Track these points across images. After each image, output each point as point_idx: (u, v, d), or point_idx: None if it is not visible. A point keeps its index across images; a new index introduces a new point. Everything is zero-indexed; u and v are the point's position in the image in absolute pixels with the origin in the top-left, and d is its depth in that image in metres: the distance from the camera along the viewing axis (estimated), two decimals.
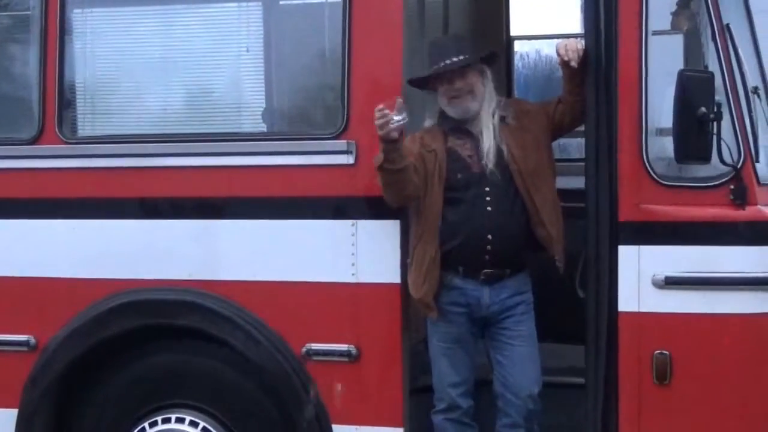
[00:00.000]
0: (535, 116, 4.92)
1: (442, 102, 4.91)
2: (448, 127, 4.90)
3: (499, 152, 4.79)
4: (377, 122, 4.56)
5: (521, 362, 4.81)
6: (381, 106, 4.57)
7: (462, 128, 4.88)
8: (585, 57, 4.69)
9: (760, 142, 4.64)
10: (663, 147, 4.70)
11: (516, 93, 7.07)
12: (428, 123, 4.98)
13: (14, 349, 5.33)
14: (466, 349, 4.89)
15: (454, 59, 4.83)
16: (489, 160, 4.78)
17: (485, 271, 4.81)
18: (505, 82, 6.99)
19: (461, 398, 4.86)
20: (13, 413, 5.32)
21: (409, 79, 4.94)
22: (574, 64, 4.66)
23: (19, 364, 5.31)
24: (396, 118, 4.54)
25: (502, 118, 4.87)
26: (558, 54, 4.72)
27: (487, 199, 4.79)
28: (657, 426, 4.62)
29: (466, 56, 4.85)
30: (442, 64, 4.83)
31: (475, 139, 4.84)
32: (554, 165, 4.92)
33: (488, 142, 4.80)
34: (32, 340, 5.32)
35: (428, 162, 4.82)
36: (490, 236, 4.78)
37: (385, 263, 4.90)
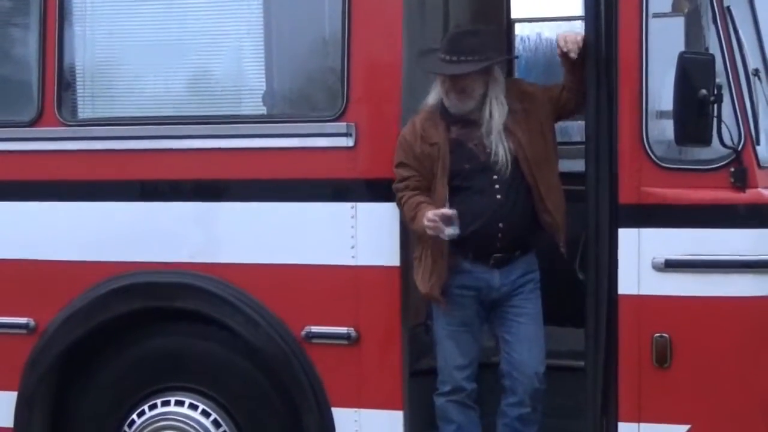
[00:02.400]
0: (540, 102, 4.87)
1: (441, 91, 4.84)
2: (451, 117, 4.84)
3: (505, 140, 4.75)
4: (428, 231, 4.60)
5: (528, 340, 4.80)
6: (433, 216, 4.58)
7: (466, 118, 4.83)
8: (585, 49, 4.65)
9: (761, 125, 4.63)
10: (663, 129, 4.69)
11: (517, 76, 7.04)
12: (432, 98, 4.88)
13: (14, 331, 5.34)
14: (472, 332, 4.89)
15: (463, 59, 4.71)
16: (496, 149, 4.74)
17: (495, 255, 4.81)
18: (506, 66, 6.97)
19: (466, 381, 4.86)
20: (12, 396, 5.33)
21: (419, 62, 4.91)
22: (573, 55, 4.62)
23: (18, 347, 5.32)
24: (448, 231, 4.58)
25: (511, 105, 4.80)
26: (558, 46, 4.69)
27: (496, 187, 4.77)
28: (657, 409, 4.62)
29: (475, 58, 4.72)
30: (449, 58, 4.73)
31: (481, 128, 4.79)
32: (557, 151, 4.90)
33: (495, 132, 4.74)
34: (32, 323, 5.32)
35: (431, 157, 4.78)
36: (501, 224, 4.77)
37: (385, 246, 4.89)
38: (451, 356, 4.87)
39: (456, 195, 4.76)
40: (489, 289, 4.83)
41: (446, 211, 4.61)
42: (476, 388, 4.88)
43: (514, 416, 4.82)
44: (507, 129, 4.76)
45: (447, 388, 4.88)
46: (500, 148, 4.73)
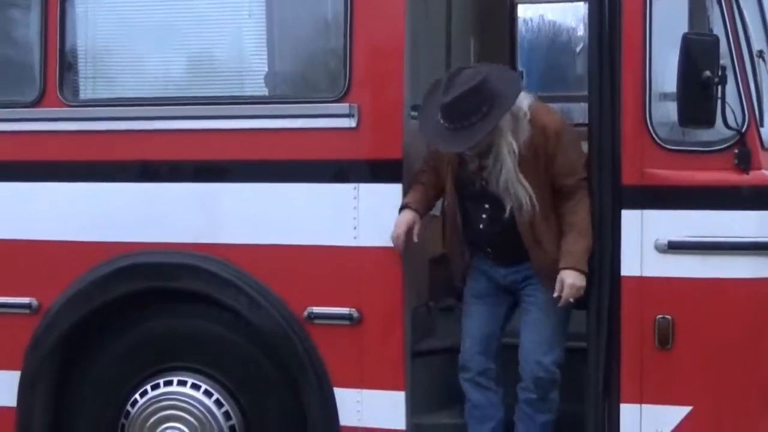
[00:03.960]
0: (551, 157, 4.67)
1: None
2: None
3: (507, 181, 4.63)
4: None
5: (532, 329, 4.79)
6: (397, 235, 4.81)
7: None
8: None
9: (765, 106, 4.63)
10: (667, 111, 4.69)
11: (519, 57, 7.03)
12: None
13: (16, 311, 5.33)
14: (488, 307, 4.89)
15: (460, 125, 4.51)
16: (494, 186, 4.67)
17: (496, 260, 4.86)
18: (508, 48, 6.97)
19: (477, 356, 4.84)
20: (15, 375, 5.33)
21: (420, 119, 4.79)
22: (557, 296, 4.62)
23: (21, 327, 5.31)
24: None
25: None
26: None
27: (483, 216, 4.78)
28: (659, 390, 4.63)
29: (473, 120, 4.51)
30: (448, 125, 4.54)
31: (487, 159, 4.68)
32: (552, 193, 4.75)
33: (496, 173, 4.64)
34: (34, 303, 5.31)
35: (442, 159, 4.82)
36: (489, 249, 4.84)
37: (387, 227, 4.87)
38: (463, 327, 4.90)
39: (461, 205, 4.84)
40: (496, 276, 4.87)
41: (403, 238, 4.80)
42: (493, 368, 4.86)
43: (523, 399, 4.81)
44: (512, 171, 4.63)
45: (460, 364, 4.89)
46: (495, 187, 4.65)
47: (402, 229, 4.79)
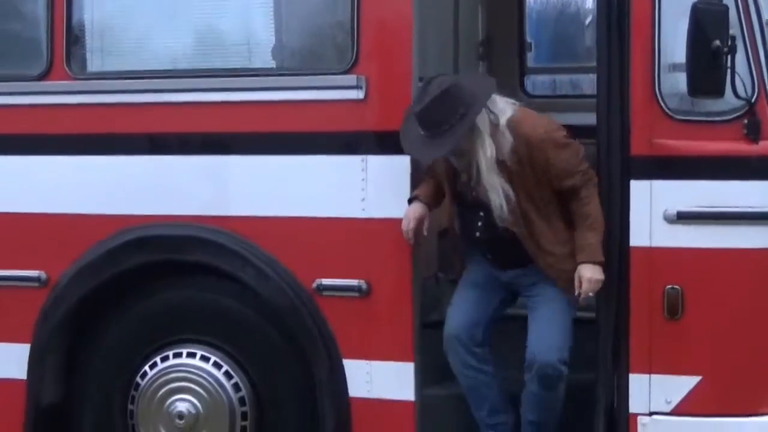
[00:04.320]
0: (543, 166, 4.62)
1: None
2: None
3: (497, 185, 4.60)
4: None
5: (540, 327, 4.74)
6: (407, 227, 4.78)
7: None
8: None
9: None
10: (676, 81, 4.66)
11: (528, 29, 7.01)
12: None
13: (26, 284, 5.35)
14: (483, 295, 4.88)
15: (435, 130, 4.51)
16: (483, 196, 4.65)
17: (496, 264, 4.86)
18: (516, 20, 6.94)
19: (464, 337, 4.81)
20: (25, 348, 5.34)
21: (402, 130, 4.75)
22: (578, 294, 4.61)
23: (30, 300, 5.32)
24: None
25: (502, 162, 4.60)
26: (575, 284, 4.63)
27: (479, 224, 4.77)
28: (668, 360, 4.63)
29: (446, 127, 4.50)
30: (423, 133, 4.55)
31: (472, 169, 4.66)
32: (558, 197, 4.72)
33: (483, 180, 4.61)
34: (43, 276, 5.32)
35: (441, 165, 4.81)
36: (489, 256, 4.84)
37: (395, 198, 4.87)
38: (453, 305, 4.90)
39: (458, 216, 4.85)
40: (499, 275, 4.87)
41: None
42: (478, 351, 4.83)
43: (529, 391, 4.80)
44: (502, 172, 4.60)
45: (444, 343, 4.86)
46: (485, 195, 4.64)
47: (413, 223, 4.78)
